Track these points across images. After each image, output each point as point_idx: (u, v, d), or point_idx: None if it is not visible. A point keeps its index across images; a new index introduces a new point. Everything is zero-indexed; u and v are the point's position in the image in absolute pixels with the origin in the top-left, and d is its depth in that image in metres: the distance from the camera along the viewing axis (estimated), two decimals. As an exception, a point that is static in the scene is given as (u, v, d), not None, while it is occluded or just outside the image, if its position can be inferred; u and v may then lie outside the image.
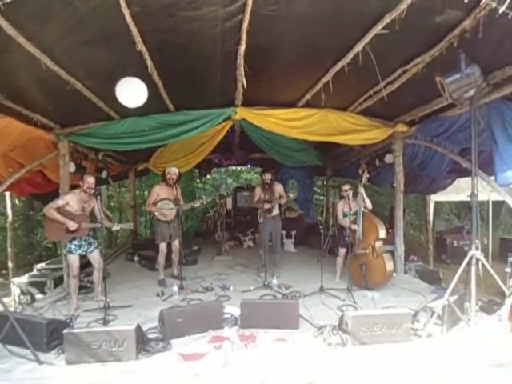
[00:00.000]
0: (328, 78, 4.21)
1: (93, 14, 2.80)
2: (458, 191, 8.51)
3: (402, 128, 5.63)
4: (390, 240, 5.97)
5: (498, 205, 10.50)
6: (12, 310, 4.85)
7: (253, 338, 3.49)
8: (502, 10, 2.41)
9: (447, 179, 7.58)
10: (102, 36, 3.19)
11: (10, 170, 5.43)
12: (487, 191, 7.61)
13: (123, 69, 3.78)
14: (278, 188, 5.88)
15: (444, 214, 14.06)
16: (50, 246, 11.97)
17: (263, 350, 3.28)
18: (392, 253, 5.56)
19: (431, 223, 9.86)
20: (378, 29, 3.14)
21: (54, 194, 7.64)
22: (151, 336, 3.56)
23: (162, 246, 5.51)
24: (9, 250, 8.54)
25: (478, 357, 3.01)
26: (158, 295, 4.92)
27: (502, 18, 2.53)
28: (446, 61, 3.47)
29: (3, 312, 3.41)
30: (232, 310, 4.07)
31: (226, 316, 3.92)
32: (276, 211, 5.89)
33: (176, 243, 5.57)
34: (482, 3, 2.60)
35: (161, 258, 5.56)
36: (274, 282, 5.21)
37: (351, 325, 3.33)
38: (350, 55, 3.62)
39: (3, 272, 9.72)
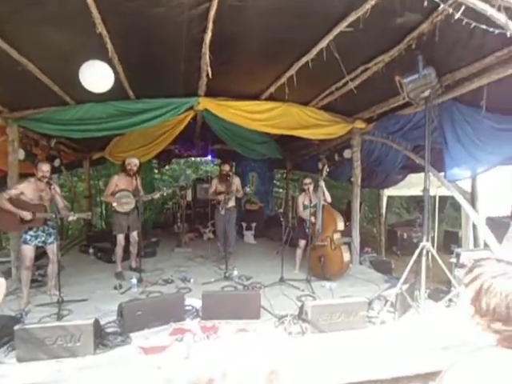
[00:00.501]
0: (292, 72, 4.26)
1: (50, -9, 2.64)
2: (409, 186, 8.98)
3: (360, 124, 5.83)
4: (347, 232, 6.21)
5: (444, 199, 11.22)
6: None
7: (215, 329, 3.51)
8: (457, 16, 2.55)
9: (400, 175, 8.01)
10: (60, 15, 3.00)
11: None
12: (434, 187, 8.12)
13: (82, 52, 3.60)
14: (236, 181, 5.91)
15: (395, 207, 14.79)
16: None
17: (225, 341, 3.31)
18: (349, 244, 5.78)
19: (384, 216, 10.34)
20: (342, 26, 3.22)
21: (3, 182, 7.18)
22: (109, 330, 3.46)
23: (120, 238, 5.35)
24: None
25: (426, 341, 3.23)
26: (115, 288, 4.77)
27: (456, 25, 2.68)
28: (405, 61, 3.64)
29: None
30: (193, 301, 4.05)
31: (187, 308, 3.89)
32: (231, 203, 5.92)
33: (134, 235, 5.43)
34: (439, 8, 2.74)
35: (118, 250, 5.39)
36: (235, 273, 5.24)
37: (311, 314, 3.44)
38: (315, 51, 3.69)
39: None
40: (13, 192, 4.09)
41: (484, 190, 6.33)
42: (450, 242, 9.64)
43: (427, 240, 3.85)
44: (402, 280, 3.84)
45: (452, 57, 3.63)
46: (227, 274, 5.19)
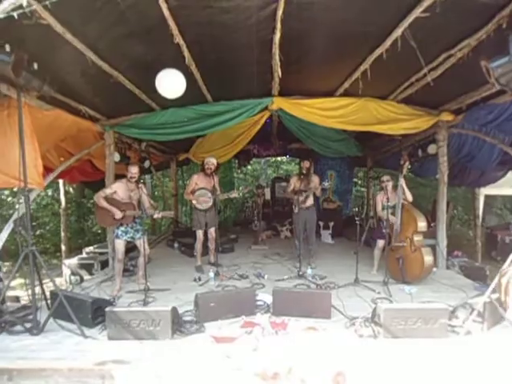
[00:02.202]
0: (366, 66, 4.10)
1: (132, 9, 2.93)
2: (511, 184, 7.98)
3: (446, 117, 5.36)
4: (431, 234, 5.76)
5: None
6: (63, 288, 5.23)
7: (284, 326, 3.54)
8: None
9: (499, 171, 7.12)
10: (142, 30, 3.33)
11: (62, 159, 5.82)
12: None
13: (162, 61, 3.93)
14: (315, 179, 5.82)
15: (496, 208, 13.22)
16: (99, 231, 12.73)
17: (293, 338, 3.33)
18: (433, 247, 5.36)
19: (480, 218, 9.33)
20: (418, 12, 3.02)
21: (103, 182, 8.14)
22: (186, 318, 3.71)
23: (199, 234, 5.69)
24: (62, 234, 9.16)
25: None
26: (195, 280, 5.10)
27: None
28: (495, 44, 3.26)
29: (55, 290, 3.71)
30: (265, 297, 4.14)
31: (258, 303, 4.00)
32: (310, 202, 5.84)
33: (212, 231, 5.73)
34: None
35: (198, 245, 5.75)
36: (309, 272, 5.21)
37: (384, 317, 3.27)
38: (388, 42, 3.51)
39: (57, 254, 10.46)
40: (108, 191, 4.64)
41: None
42: None
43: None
44: (491, 287, 3.44)
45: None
46: (301, 273, 5.19)
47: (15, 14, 2.34)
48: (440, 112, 5.39)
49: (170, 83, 3.93)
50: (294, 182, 5.90)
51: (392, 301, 4.18)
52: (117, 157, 5.86)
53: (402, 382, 2.79)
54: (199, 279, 5.12)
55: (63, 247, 8.94)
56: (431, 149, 5.90)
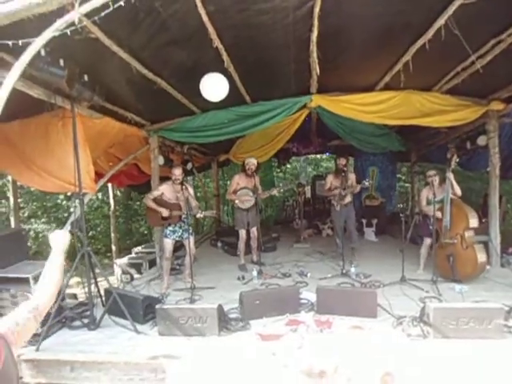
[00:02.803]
0: (408, 57, 3.97)
1: (173, 18, 3.04)
2: None
3: (497, 106, 5.06)
4: (483, 230, 5.47)
5: None
6: (116, 286, 5.53)
7: (328, 324, 3.53)
8: None
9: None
10: (182, 37, 3.43)
11: (111, 164, 6.15)
12: None
13: (202, 65, 4.03)
14: (352, 177, 5.77)
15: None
16: (146, 232, 13.28)
17: (339, 336, 3.31)
18: (485, 244, 5.09)
19: (538, 212, 8.73)
20: (462, -1, 2.89)
21: (148, 185, 8.48)
22: (232, 316, 3.81)
23: (242, 233, 5.79)
24: (112, 235, 9.66)
25: None
26: (238, 279, 5.20)
27: None
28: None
29: (109, 288, 3.94)
30: (309, 295, 4.15)
31: (302, 301, 4.01)
32: (348, 199, 5.78)
33: (254, 230, 5.80)
34: None
35: (241, 244, 5.85)
36: (352, 270, 5.13)
37: (433, 317, 3.17)
38: (431, 31, 3.38)
39: (108, 254, 11.04)
40: (155, 193, 4.87)
41: None
42: None
43: None
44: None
45: None
46: (344, 271, 5.13)
47: (68, 31, 2.51)
48: (489, 101, 5.10)
49: (214, 87, 4.04)
50: (331, 180, 5.85)
51: (441, 300, 4.03)
52: (161, 160, 6.09)
53: (454, 382, 2.70)
54: (243, 278, 5.21)
55: (113, 247, 9.43)
56: (481, 140, 5.61)
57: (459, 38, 3.35)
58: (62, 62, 3.16)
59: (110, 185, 9.13)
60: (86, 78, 3.57)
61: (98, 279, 4.09)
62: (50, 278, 1.41)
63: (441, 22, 3.21)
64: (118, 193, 12.58)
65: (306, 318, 3.63)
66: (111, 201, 9.46)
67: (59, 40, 2.68)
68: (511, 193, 10.86)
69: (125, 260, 6.74)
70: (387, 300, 4.02)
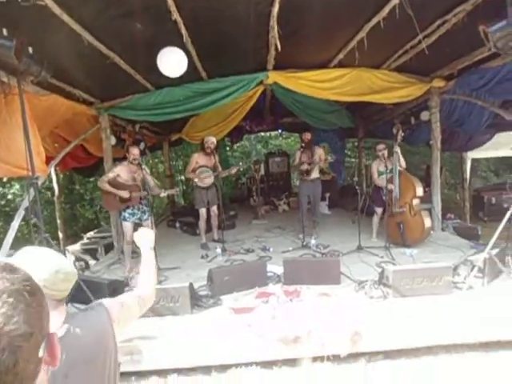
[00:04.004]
0: (362, 34, 4.11)
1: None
2: (497, 147, 8.21)
3: (439, 83, 5.45)
4: (426, 198, 5.96)
5: (541, 159, 10.09)
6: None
7: (297, 293, 3.70)
8: None
9: (486, 134, 7.35)
10: (139, 8, 3.26)
11: (56, 145, 5.76)
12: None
13: (158, 39, 3.86)
14: (319, 151, 5.90)
15: (481, 171, 13.61)
16: (92, 217, 12.68)
17: (308, 304, 3.49)
18: (429, 211, 5.56)
19: (468, 181, 9.63)
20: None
21: (94, 168, 8.06)
22: (202, 293, 3.84)
23: (202, 212, 5.77)
24: (58, 221, 9.10)
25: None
26: (202, 257, 5.22)
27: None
28: (490, 8, 3.32)
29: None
30: (274, 268, 4.28)
31: (269, 274, 4.14)
32: (315, 174, 5.92)
33: (214, 209, 5.81)
34: None
35: (201, 223, 5.84)
36: (313, 242, 5.37)
37: (392, 278, 3.45)
38: (387, 9, 3.52)
39: (55, 242, 10.43)
40: (110, 175, 4.64)
41: None
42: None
43: (520, 201, 3.59)
44: (490, 244, 3.64)
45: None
46: (305, 243, 5.35)
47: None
48: (432, 79, 5.48)
49: (173, 62, 3.89)
50: (299, 156, 5.96)
51: (395, 264, 4.37)
52: (113, 140, 5.81)
53: (413, 336, 2.99)
54: (207, 256, 5.24)
55: (60, 235, 8.90)
56: (424, 115, 6.02)
57: (410, 17, 3.53)
58: (5, 31, 2.87)
59: (52, 168, 8.52)
60: (31, 50, 3.27)
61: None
62: (149, 273, 1.51)
63: (395, 1, 3.36)
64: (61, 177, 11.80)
65: (275, 290, 3.77)
66: (55, 185, 8.85)
67: (4, 7, 2.45)
68: (444, 164, 11.83)
69: (77, 246, 6.45)
70: (347, 267, 4.27)
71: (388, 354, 3.01)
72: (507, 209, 3.70)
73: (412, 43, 4.41)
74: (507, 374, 2.81)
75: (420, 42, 4.23)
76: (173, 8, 3.25)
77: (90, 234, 7.22)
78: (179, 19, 3.45)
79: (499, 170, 13.82)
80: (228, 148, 14.17)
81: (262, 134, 14.30)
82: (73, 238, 10.00)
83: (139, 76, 4.80)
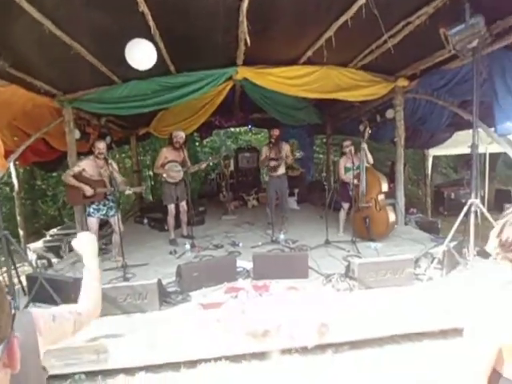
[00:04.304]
0: (330, 33, 4.18)
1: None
2: (455, 145, 8.59)
3: (402, 82, 5.65)
4: (391, 194, 6.17)
5: (495, 157, 10.64)
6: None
7: (266, 288, 3.74)
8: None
9: (446, 133, 7.67)
10: (104, -3, 3.16)
11: (16, 138, 5.48)
12: (485, 143, 7.75)
13: (125, 31, 3.75)
14: (285, 147, 5.96)
15: (441, 168, 14.22)
16: (55, 214, 12.19)
17: (277, 298, 3.54)
18: (393, 206, 5.77)
19: (429, 177, 10.04)
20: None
21: (57, 162, 7.75)
22: (170, 290, 3.81)
23: (171, 207, 5.70)
24: (18, 218, 8.70)
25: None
26: (171, 253, 5.16)
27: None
28: (450, 12, 3.47)
29: (32, 273, 3.62)
30: (243, 264, 4.31)
31: (238, 269, 4.16)
32: (282, 170, 6.00)
33: (183, 204, 5.76)
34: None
35: (170, 219, 5.76)
36: (282, 237, 5.44)
37: (358, 271, 3.57)
38: (354, 8, 3.59)
39: (15, 240, 9.95)
40: (76, 169, 4.49)
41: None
42: (502, 200, 9.23)
43: (476, 197, 3.79)
44: (449, 237, 3.84)
45: (503, 1, 3.41)
46: (274, 238, 5.40)
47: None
48: (396, 78, 5.67)
49: (142, 54, 3.79)
50: (266, 152, 6.00)
51: (361, 257, 4.51)
52: (77, 134, 5.61)
53: (376, 326, 3.11)
54: (175, 252, 5.18)
55: (21, 232, 8.51)
56: (389, 113, 6.22)
57: (376, 17, 3.63)
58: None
59: (12, 163, 8.10)
60: (-13, 38, 3.11)
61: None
62: (91, 286, 1.32)
63: (362, 0, 3.44)
64: (21, 172, 11.26)
65: (245, 285, 3.80)
66: (14, 180, 8.43)
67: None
68: (408, 161, 12.26)
69: (40, 244, 6.19)
70: (315, 261, 4.37)
71: (353, 345, 3.13)
72: (465, 203, 3.91)
73: (377, 43, 4.53)
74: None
75: (385, 41, 4.37)
76: (139, -1, 3.18)
77: (53, 230, 6.94)
78: (146, 10, 3.37)
79: (458, 166, 14.48)
80: (197, 143, 14.05)
81: (232, 129, 14.28)
82: (35, 235, 9.58)
83: (105, 68, 4.66)
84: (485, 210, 3.70)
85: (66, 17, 3.33)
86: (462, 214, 3.81)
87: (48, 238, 6.55)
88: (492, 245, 1.19)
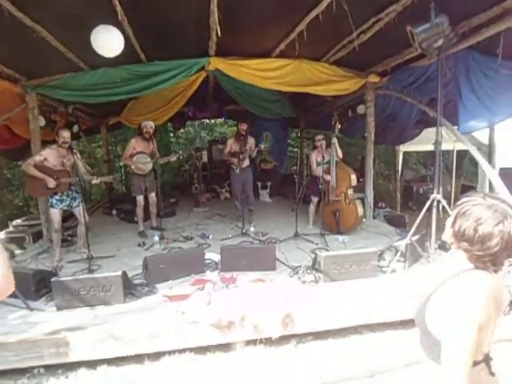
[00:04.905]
0: (302, 27, 4.18)
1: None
2: (425, 141, 8.82)
3: (373, 78, 5.74)
4: (360, 188, 6.29)
5: (462, 154, 11.03)
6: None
7: (233, 280, 3.76)
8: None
9: (416, 129, 7.88)
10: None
11: (-24, 125, 5.23)
12: (452, 141, 8.00)
13: (92, 16, 3.62)
14: (251, 141, 5.98)
15: (412, 163, 14.62)
16: (21, 204, 11.77)
17: (243, 289, 3.56)
18: (362, 200, 5.89)
19: (399, 173, 10.30)
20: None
21: (23, 150, 7.45)
22: (137, 282, 3.76)
23: (139, 199, 5.60)
24: (-20, 208, 8.36)
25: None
26: (139, 245, 5.08)
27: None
28: (418, 10, 3.53)
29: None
30: (212, 256, 4.30)
31: (207, 262, 4.15)
32: (246, 163, 6.02)
33: (152, 196, 5.67)
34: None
35: (139, 211, 5.67)
36: (252, 229, 5.46)
37: (323, 264, 3.63)
38: (325, 3, 3.61)
39: (-24, 230, 9.56)
40: (37, 158, 4.31)
41: (502, 141, 6.24)
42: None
43: (438, 192, 3.91)
44: (412, 231, 3.96)
45: (468, 2, 3.51)
46: (244, 231, 5.42)
47: None
48: (368, 74, 5.75)
49: (108, 40, 3.67)
50: (231, 144, 5.99)
51: (329, 250, 4.59)
52: (42, 121, 5.40)
53: (340, 317, 3.19)
54: (143, 244, 5.11)
55: (-17, 222, 8.19)
56: (360, 109, 6.31)
57: (347, 13, 3.66)
58: None
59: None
60: None
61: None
62: None
63: (333, -5, 3.45)
64: (-17, 159, 10.78)
65: (212, 277, 3.80)
66: (-24, 169, 8.09)
67: None
68: (379, 156, 12.53)
69: (1, 235, 5.96)
70: (283, 254, 4.43)
71: (317, 335, 3.19)
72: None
73: (349, 38, 4.57)
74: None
75: (357, 37, 4.42)
76: (106, -17, 3.08)
77: (17, 221, 6.70)
78: (113, -5, 3.28)
79: (427, 162, 14.91)
80: (172, 134, 13.85)
81: (207, 121, 14.15)
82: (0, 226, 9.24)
83: (71, 54, 4.49)
84: (446, 205, 3.83)
85: (27, -2, 3.19)
86: (425, 209, 3.93)
87: (11, 228, 6.32)
88: (447, 234, 1.24)
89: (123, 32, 3.94)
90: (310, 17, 3.94)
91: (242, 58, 5.19)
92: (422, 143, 9.18)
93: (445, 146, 8.02)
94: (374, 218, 6.34)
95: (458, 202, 1.23)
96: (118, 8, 3.48)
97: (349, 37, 4.53)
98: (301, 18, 4.05)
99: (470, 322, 1.06)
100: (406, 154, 11.13)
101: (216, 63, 5.12)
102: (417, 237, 4.05)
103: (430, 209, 3.96)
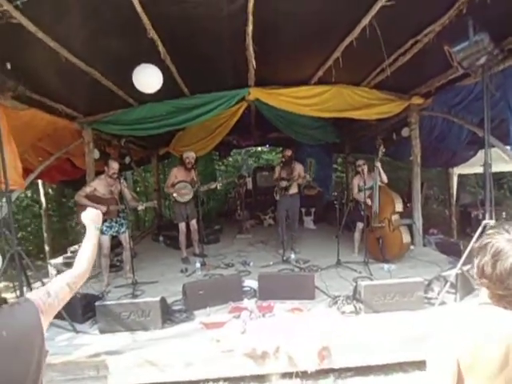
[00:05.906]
0: (338, 53, 4.21)
1: (104, 4, 2.94)
2: (482, 163, 8.30)
3: (417, 100, 5.56)
4: (408, 214, 6.00)
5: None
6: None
7: (270, 308, 3.69)
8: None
9: (469, 151, 7.39)
10: (115, 25, 3.33)
11: (40, 159, 5.76)
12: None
13: (138, 56, 3.93)
14: (298, 167, 5.96)
15: (470, 187, 13.69)
16: (82, 231, 12.59)
17: (280, 319, 3.48)
18: (410, 226, 5.59)
19: (454, 197, 9.69)
20: (383, 0, 3.14)
21: (83, 180, 8.06)
22: (176, 308, 3.82)
23: (181, 226, 5.78)
24: (45, 235, 9.06)
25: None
26: (181, 272, 5.20)
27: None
28: (458, 29, 3.42)
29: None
30: (251, 283, 4.28)
31: (245, 289, 4.13)
32: (294, 189, 5.98)
33: (193, 223, 5.82)
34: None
35: (181, 237, 5.84)
36: (292, 257, 5.38)
37: (364, 293, 3.46)
38: (358, 30, 3.62)
39: (41, 256, 10.34)
40: (88, 189, 4.66)
41: None
42: (530, 221, 8.72)
43: (490, 218, 3.63)
44: (462, 260, 3.67)
45: (513, 17, 3.34)
46: (285, 258, 5.35)
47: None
48: (411, 96, 5.59)
49: (147, 78, 3.95)
50: (279, 171, 6.03)
51: (373, 279, 4.38)
52: (96, 154, 5.85)
53: (383, 353, 2.99)
54: (186, 270, 5.22)
55: (47, 248, 8.85)
56: (404, 132, 6.11)
57: (383, 36, 3.63)
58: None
59: (40, 182, 8.53)
60: (8, 66, 3.34)
61: (32, 282, 3.88)
62: (87, 249, 1.49)
63: (365, 22, 3.46)
64: (50, 190, 11.78)
65: (249, 305, 3.76)
66: (42, 198, 8.85)
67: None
68: (432, 180, 11.92)
69: (60, 260, 6.39)
70: (324, 282, 4.29)
71: (357, 371, 3.01)
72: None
73: (386, 62, 4.50)
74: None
75: (396, 60, 4.36)
76: (148, 26, 3.34)
77: (75, 247, 7.16)
78: (156, 37, 3.54)
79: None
80: (220, 163, 14.28)
81: (254, 148, 14.43)
82: (62, 251, 9.91)
83: (121, 92, 4.87)
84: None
85: (80, 45, 3.54)
86: (476, 236, 3.64)
87: (68, 254, 6.76)
88: (473, 270, 1.15)
89: (167, 69, 4.22)
90: (345, 43, 3.96)
91: (281, 87, 5.30)
92: (479, 165, 8.64)
93: (507, 168, 7.46)
94: (425, 245, 5.98)
95: (486, 232, 1.14)
96: (161, 48, 3.76)
97: (387, 60, 4.46)
98: (335, 46, 4.08)
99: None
100: (461, 176, 10.50)
101: (256, 93, 5.27)
102: (469, 266, 3.74)
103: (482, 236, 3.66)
